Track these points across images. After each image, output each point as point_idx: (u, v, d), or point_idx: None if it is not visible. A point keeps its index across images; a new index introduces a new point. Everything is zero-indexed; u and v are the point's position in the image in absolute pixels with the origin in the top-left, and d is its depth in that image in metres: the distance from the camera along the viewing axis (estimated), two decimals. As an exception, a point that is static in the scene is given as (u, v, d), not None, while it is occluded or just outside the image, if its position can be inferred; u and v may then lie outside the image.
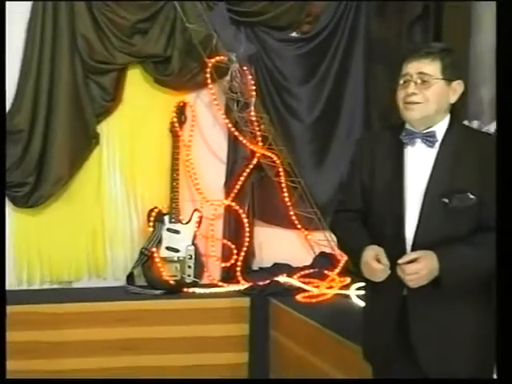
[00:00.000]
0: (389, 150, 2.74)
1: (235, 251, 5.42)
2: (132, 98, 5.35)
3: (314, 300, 4.96)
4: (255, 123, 5.36)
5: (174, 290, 5.16)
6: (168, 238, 5.27)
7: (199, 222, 5.31)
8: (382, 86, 5.41)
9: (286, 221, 5.54)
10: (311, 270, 5.44)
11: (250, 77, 5.34)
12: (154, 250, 5.20)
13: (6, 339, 3.09)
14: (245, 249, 5.42)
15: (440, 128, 2.67)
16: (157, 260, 5.19)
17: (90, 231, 5.33)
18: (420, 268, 2.51)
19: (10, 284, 5.14)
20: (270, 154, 5.43)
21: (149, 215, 5.27)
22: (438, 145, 2.65)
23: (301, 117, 5.60)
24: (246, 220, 5.41)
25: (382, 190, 2.73)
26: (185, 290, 5.20)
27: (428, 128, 2.67)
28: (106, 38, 5.18)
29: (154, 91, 5.38)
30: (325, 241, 5.59)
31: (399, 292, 2.63)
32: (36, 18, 5.06)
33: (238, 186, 5.42)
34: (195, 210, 5.34)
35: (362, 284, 4.81)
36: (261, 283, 5.19)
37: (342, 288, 5.15)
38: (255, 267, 5.61)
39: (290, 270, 5.44)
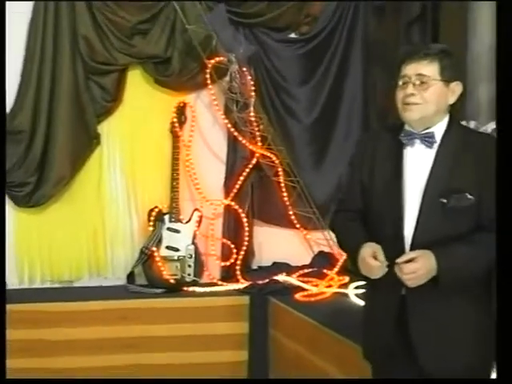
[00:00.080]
0: (388, 151, 2.74)
1: (235, 250, 5.43)
2: (132, 98, 5.38)
3: (312, 299, 4.97)
4: (254, 123, 5.38)
5: (174, 289, 5.18)
6: (168, 238, 5.29)
7: (199, 222, 5.33)
8: (380, 87, 5.44)
9: (284, 220, 5.55)
10: (310, 269, 5.46)
11: (249, 77, 5.36)
12: (154, 249, 5.22)
13: (5, 338, 3.13)
14: (244, 248, 5.44)
15: (439, 129, 2.67)
16: (157, 259, 5.21)
17: (91, 231, 5.35)
18: (418, 267, 2.52)
19: (12, 283, 5.19)
20: (269, 154, 5.44)
21: (149, 215, 5.29)
22: (436, 145, 2.66)
23: (299, 117, 5.62)
24: (245, 219, 5.42)
25: (381, 189, 2.73)
26: (185, 288, 5.21)
27: (427, 129, 2.67)
28: (106, 39, 5.21)
29: (154, 92, 5.41)
30: (323, 240, 5.62)
31: (398, 291, 2.63)
32: (38, 18, 5.09)
33: (237, 186, 5.44)
34: (195, 209, 5.36)
35: (361, 283, 4.87)
36: (260, 282, 5.21)
37: (340, 287, 5.16)
38: (255, 266, 5.63)
39: (289, 269, 5.46)
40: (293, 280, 5.25)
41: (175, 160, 5.32)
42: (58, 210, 5.29)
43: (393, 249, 2.61)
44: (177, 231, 5.30)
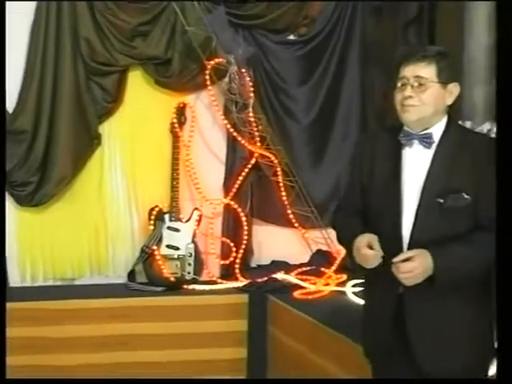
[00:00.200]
0: (387, 151, 2.77)
1: (234, 249, 5.44)
2: (133, 99, 5.39)
3: (310, 297, 4.98)
4: (253, 124, 5.39)
5: (174, 287, 5.20)
6: (168, 236, 5.31)
7: (199, 221, 5.35)
8: (378, 87, 5.46)
9: (283, 219, 5.56)
10: (308, 268, 5.47)
11: (248, 78, 5.38)
12: (154, 247, 5.24)
13: (5, 336, 3.15)
14: (243, 246, 5.45)
15: (437, 129, 2.70)
16: (157, 257, 5.23)
17: (92, 229, 5.37)
18: (415, 266, 2.54)
19: (14, 281, 5.24)
20: (267, 154, 5.46)
21: (149, 214, 5.31)
22: (434, 146, 2.68)
23: (298, 118, 5.63)
24: (244, 218, 5.44)
25: (380, 189, 2.75)
26: (185, 286, 5.23)
27: (425, 129, 2.69)
28: (107, 41, 5.21)
29: (154, 92, 5.41)
30: (322, 239, 5.64)
31: (395, 289, 2.64)
32: (40, 19, 5.10)
33: (236, 186, 5.45)
34: (195, 208, 5.38)
35: (358, 281, 4.93)
36: (259, 280, 5.23)
37: (338, 285, 5.18)
38: (253, 265, 5.65)
39: (287, 267, 5.47)
40: (291, 278, 5.26)
41: (175, 160, 5.34)
42: (60, 209, 5.30)
43: (391, 247, 2.62)
44: (177, 230, 5.32)
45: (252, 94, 5.38)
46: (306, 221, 5.61)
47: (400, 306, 2.67)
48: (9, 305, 3.61)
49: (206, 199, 5.46)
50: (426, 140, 2.69)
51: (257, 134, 5.44)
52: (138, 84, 5.41)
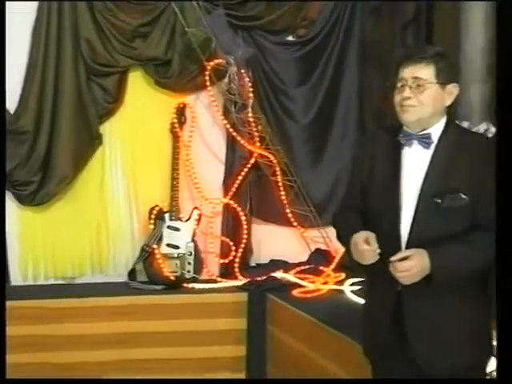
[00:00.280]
0: (387, 151, 2.79)
1: (233, 248, 5.46)
2: (133, 99, 5.40)
3: (309, 295, 5.00)
4: (253, 124, 5.41)
5: (174, 286, 5.22)
6: (168, 235, 5.33)
7: (198, 220, 5.37)
8: (376, 88, 5.46)
9: (282, 218, 5.57)
10: (307, 266, 5.48)
11: (247, 79, 5.39)
12: (154, 246, 5.26)
13: (5, 335, 3.17)
14: (243, 245, 5.47)
15: (436, 130, 2.71)
16: (157, 256, 5.25)
17: (94, 228, 5.37)
18: (412, 265, 2.55)
19: (16, 280, 5.26)
20: (267, 154, 5.47)
21: (150, 213, 5.32)
22: (433, 146, 2.69)
23: (297, 118, 5.65)
24: (243, 218, 5.46)
25: (379, 189, 2.77)
26: (184, 285, 5.25)
27: (424, 130, 2.71)
28: (108, 42, 5.23)
29: (154, 93, 5.42)
30: (320, 238, 5.65)
31: (394, 287, 2.66)
32: (41, 19, 5.10)
33: (236, 185, 5.46)
34: (195, 208, 5.39)
35: (356, 280, 4.96)
36: (258, 279, 5.25)
37: (336, 283, 5.19)
38: (253, 263, 5.66)
39: (286, 266, 5.48)
40: (290, 277, 5.27)
41: (175, 160, 5.35)
42: (62, 209, 5.31)
43: (389, 246, 2.64)
44: (177, 229, 5.34)
45: (251, 95, 5.39)
46: (305, 220, 5.63)
47: (399, 304, 2.69)
48: (9, 303, 3.64)
49: (206, 198, 5.48)
50: (424, 140, 2.71)
51: (256, 133, 5.45)
52: (138, 85, 5.42)
